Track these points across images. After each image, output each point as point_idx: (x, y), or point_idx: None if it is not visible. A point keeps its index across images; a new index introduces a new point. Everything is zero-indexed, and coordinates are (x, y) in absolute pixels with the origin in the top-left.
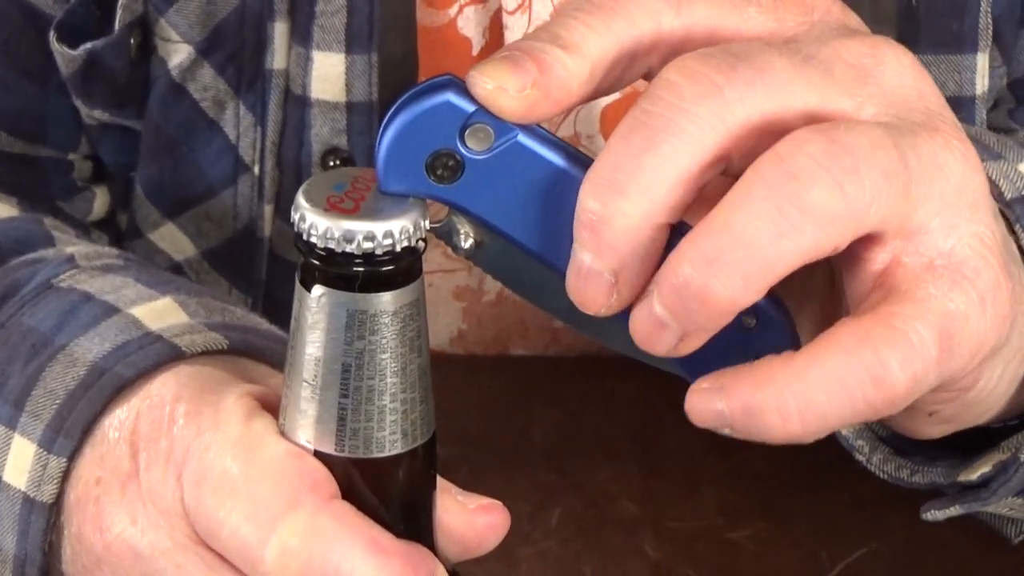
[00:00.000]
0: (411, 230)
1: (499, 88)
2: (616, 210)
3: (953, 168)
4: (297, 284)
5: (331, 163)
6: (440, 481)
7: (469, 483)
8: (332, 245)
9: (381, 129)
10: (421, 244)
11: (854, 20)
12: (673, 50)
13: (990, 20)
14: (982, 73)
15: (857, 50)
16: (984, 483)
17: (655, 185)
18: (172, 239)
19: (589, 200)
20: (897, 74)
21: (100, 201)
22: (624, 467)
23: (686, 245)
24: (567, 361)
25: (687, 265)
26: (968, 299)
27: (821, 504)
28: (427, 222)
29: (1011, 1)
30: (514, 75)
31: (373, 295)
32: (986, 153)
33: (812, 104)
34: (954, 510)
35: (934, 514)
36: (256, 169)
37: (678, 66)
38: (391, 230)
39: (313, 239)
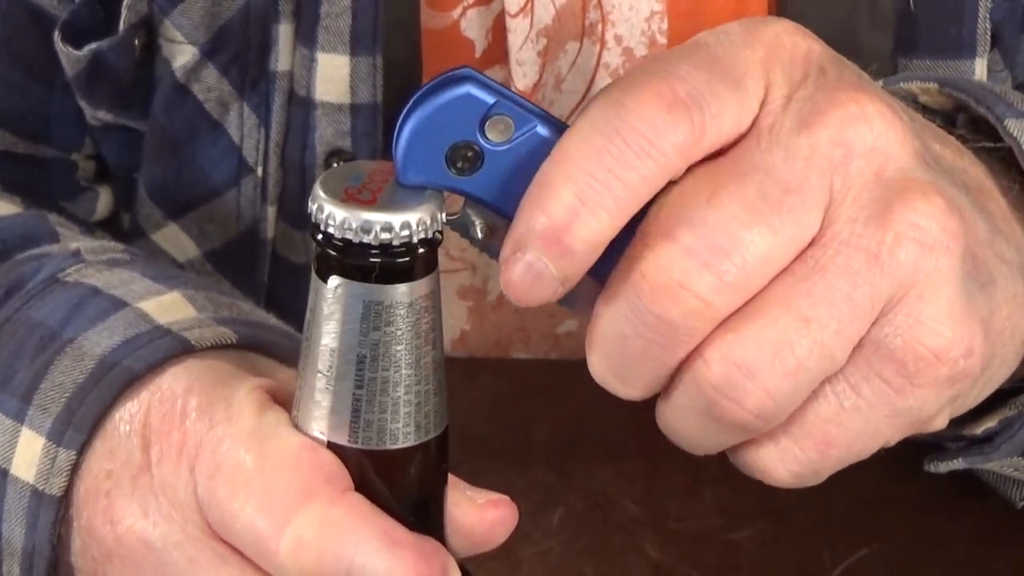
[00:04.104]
0: (428, 222)
1: None
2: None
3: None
4: (313, 275)
5: (335, 165)
6: (449, 476)
7: (470, 484)
8: (350, 236)
9: (400, 121)
10: (438, 236)
11: (832, 70)
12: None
13: (988, 25)
14: (981, 78)
15: (826, 146)
16: (988, 438)
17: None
18: (175, 240)
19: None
20: (862, 160)
21: (103, 201)
22: (625, 468)
23: None
24: (568, 363)
25: None
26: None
27: (822, 504)
28: (444, 214)
29: (1012, 6)
30: None
31: (389, 286)
32: (1010, 111)
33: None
34: (956, 463)
35: (936, 466)
36: (259, 171)
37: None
38: (409, 221)
39: (331, 230)
